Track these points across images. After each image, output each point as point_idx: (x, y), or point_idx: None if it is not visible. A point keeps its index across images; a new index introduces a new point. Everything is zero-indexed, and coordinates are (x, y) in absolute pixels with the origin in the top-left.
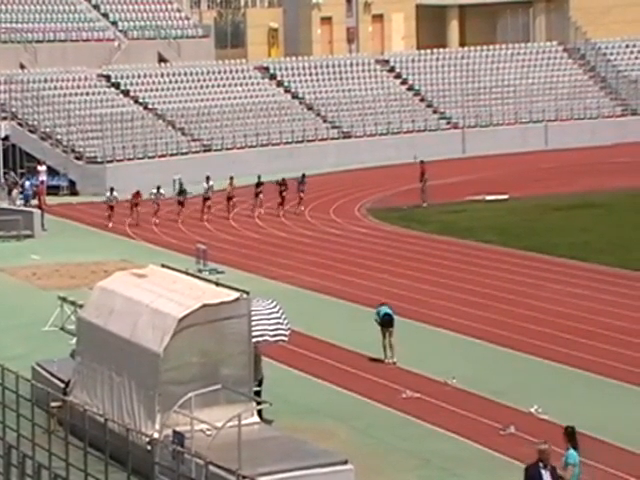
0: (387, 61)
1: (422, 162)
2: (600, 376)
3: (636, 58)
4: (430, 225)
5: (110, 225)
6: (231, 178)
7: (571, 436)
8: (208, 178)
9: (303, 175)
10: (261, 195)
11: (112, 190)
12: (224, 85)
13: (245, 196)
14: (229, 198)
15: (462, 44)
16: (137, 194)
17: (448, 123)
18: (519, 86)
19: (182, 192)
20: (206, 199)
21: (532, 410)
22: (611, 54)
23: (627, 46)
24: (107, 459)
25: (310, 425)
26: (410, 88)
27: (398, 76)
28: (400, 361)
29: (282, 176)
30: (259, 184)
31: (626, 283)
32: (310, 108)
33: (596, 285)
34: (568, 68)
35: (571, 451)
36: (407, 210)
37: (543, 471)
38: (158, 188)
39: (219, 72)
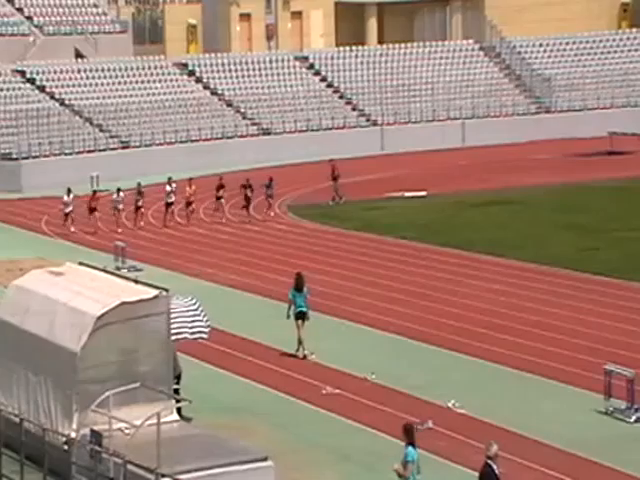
0: (306, 58)
1: (332, 160)
2: (516, 370)
3: (549, 57)
4: (350, 222)
5: (73, 230)
6: (190, 179)
7: (409, 434)
8: (170, 180)
9: (270, 179)
10: (223, 199)
11: (69, 191)
12: (142, 81)
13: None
14: (188, 203)
15: (380, 42)
16: (94, 196)
17: (367, 120)
18: (437, 84)
19: (140, 193)
20: (169, 204)
21: (450, 405)
22: (525, 52)
23: (541, 45)
24: (22, 459)
25: (230, 422)
26: (329, 85)
27: (317, 73)
28: (320, 357)
29: (245, 178)
30: (220, 186)
31: (542, 279)
32: (229, 105)
33: (513, 281)
34: (484, 66)
35: (410, 449)
36: (328, 207)
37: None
38: (118, 190)
39: (137, 68)
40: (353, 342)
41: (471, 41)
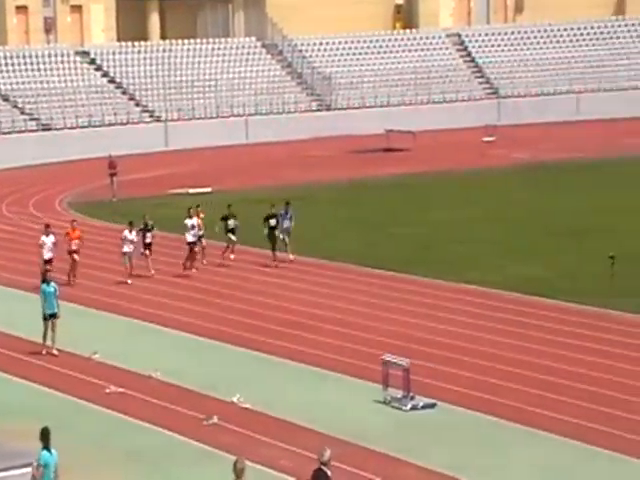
0: (87, 53)
1: (110, 156)
2: (301, 364)
3: (329, 55)
4: (134, 219)
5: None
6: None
7: (44, 437)
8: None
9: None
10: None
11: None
12: None
13: None
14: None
15: (163, 38)
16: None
17: (151, 116)
18: (220, 80)
19: (147, 229)
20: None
21: (234, 400)
22: (306, 51)
23: (321, 44)
24: None
25: (6, 426)
26: (111, 81)
27: (99, 68)
28: (103, 356)
29: None
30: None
31: (332, 274)
32: (6, 99)
33: (303, 277)
34: (267, 64)
35: (43, 452)
36: (110, 204)
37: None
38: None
39: None
40: (137, 340)
41: (253, 38)
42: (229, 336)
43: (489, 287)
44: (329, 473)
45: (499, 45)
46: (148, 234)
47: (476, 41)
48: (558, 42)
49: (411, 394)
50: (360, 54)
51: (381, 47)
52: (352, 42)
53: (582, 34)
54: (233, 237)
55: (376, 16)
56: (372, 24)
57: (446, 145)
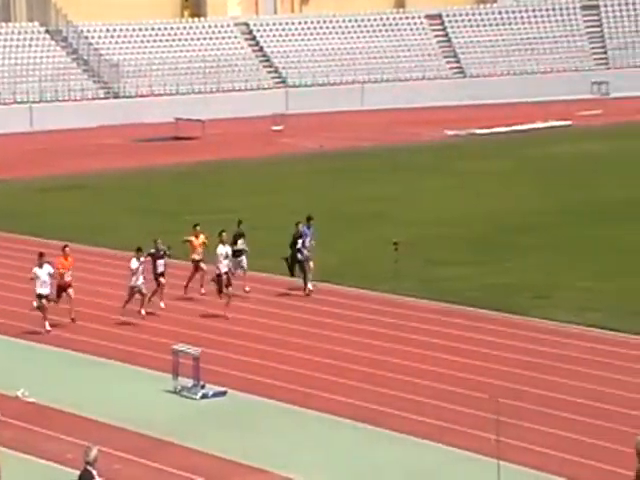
0: None
1: None
2: (88, 355)
3: (117, 43)
4: None
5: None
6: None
7: None
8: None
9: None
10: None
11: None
12: None
13: None
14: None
15: None
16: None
17: None
18: (2, 66)
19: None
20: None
21: (18, 394)
22: (92, 38)
23: (108, 30)
24: None
25: None
26: None
27: None
28: None
29: None
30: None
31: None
32: None
33: (92, 267)
34: (51, 50)
35: None
36: None
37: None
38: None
39: None
40: None
41: (37, 23)
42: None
43: (272, 274)
44: (94, 472)
45: (287, 35)
46: (160, 261)
47: (264, 31)
48: (343, 33)
49: (202, 383)
50: (149, 42)
51: (169, 35)
52: (140, 30)
53: (365, 25)
54: (244, 264)
55: (163, 4)
56: (159, 12)
57: (235, 134)
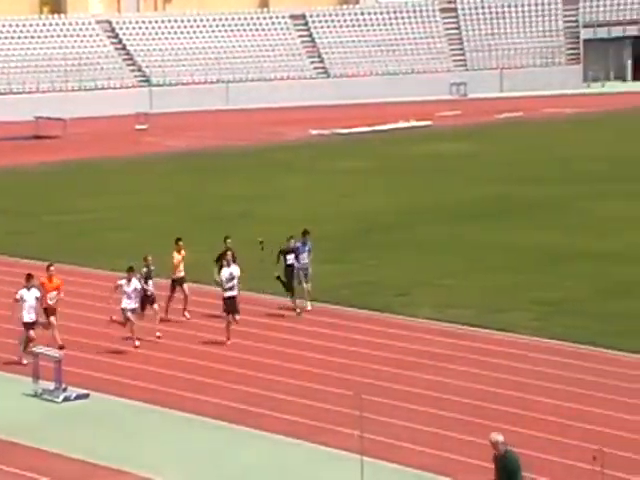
0: None
1: None
2: None
3: None
4: None
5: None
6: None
7: None
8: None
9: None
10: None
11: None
12: None
13: None
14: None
15: None
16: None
17: None
18: None
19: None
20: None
21: None
22: None
23: None
24: None
25: None
26: None
27: None
28: None
29: None
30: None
31: None
32: None
33: None
34: None
35: None
36: None
37: None
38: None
39: None
40: None
41: None
42: None
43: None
44: None
45: (150, 33)
46: (149, 282)
47: (127, 29)
48: (207, 32)
49: (64, 385)
50: (6, 38)
51: (28, 32)
52: None
53: (230, 25)
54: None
55: (21, 0)
56: (17, 8)
57: (98, 133)
